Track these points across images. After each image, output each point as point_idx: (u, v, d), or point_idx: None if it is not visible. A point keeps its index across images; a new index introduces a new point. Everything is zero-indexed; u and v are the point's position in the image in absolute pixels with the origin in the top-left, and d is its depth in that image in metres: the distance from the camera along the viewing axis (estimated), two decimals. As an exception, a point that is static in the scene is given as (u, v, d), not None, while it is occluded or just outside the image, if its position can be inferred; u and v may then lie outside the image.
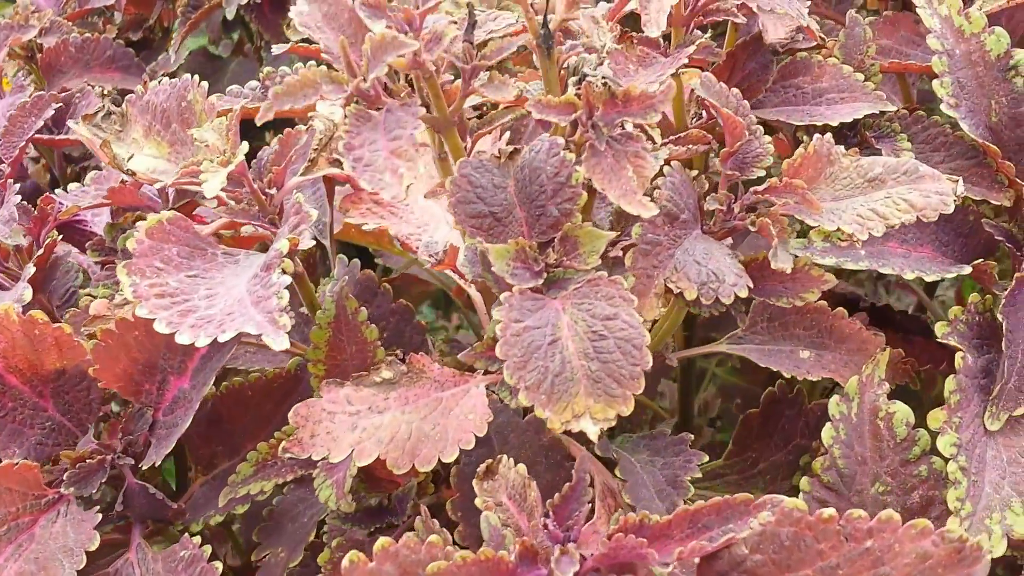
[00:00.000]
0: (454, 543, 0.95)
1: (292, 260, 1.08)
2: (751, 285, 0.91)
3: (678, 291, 0.89)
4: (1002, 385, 0.98)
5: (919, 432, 0.96)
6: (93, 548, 0.99)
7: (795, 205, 0.93)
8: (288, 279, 0.90)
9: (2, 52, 1.69)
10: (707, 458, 1.02)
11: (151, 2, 2.00)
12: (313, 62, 0.98)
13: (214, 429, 1.14)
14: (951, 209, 0.94)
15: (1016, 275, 1.03)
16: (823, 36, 1.13)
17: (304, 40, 1.25)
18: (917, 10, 1.08)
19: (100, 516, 1.03)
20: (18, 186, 1.27)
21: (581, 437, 0.87)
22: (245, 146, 1.01)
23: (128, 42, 1.94)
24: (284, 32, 1.78)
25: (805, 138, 1.07)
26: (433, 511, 1.10)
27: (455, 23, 0.89)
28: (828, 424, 0.97)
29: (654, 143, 0.92)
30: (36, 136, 1.45)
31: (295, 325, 1.15)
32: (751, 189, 0.95)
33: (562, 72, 0.94)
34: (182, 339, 0.89)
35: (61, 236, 1.32)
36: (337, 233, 1.29)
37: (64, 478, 1.06)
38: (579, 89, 0.85)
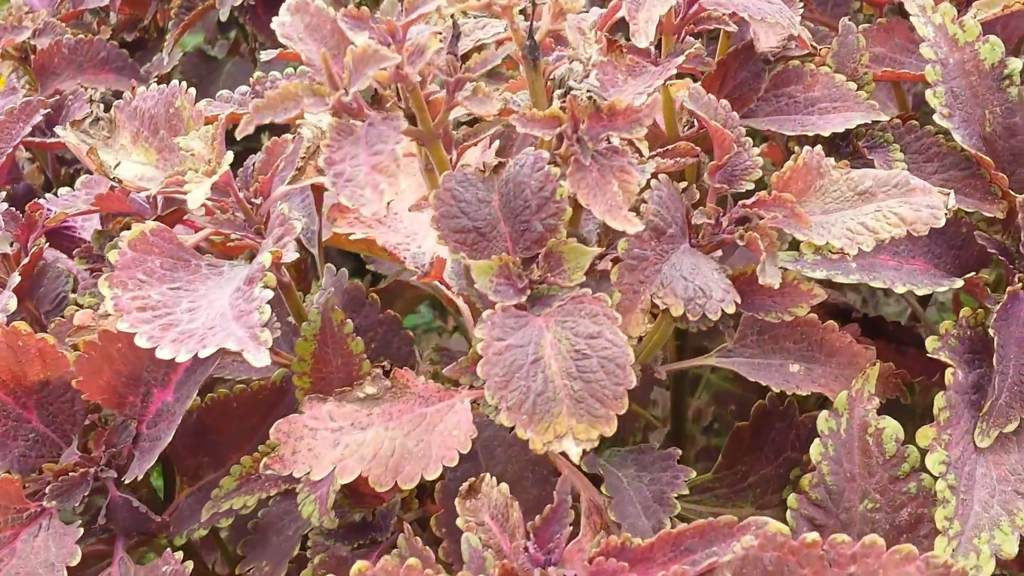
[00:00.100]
0: (438, 560, 0.95)
1: (279, 271, 1.07)
2: (738, 300, 0.90)
3: (664, 307, 0.88)
4: (993, 401, 0.97)
5: (908, 449, 0.95)
6: (74, 563, 0.99)
7: (784, 219, 0.91)
8: (270, 294, 0.89)
9: (-4, 53, 1.68)
10: (694, 474, 1.01)
11: (146, 2, 1.99)
12: (305, 68, 0.97)
13: (200, 440, 1.13)
14: (942, 223, 0.92)
15: (1008, 289, 1.01)
16: (814, 44, 1.12)
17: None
18: (911, 19, 1.07)
19: (82, 531, 1.02)
20: (3, 193, 1.25)
21: (568, 451, 0.86)
22: (230, 156, 1.00)
23: (123, 43, 1.93)
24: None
25: (796, 148, 1.06)
26: (420, 525, 1.09)
27: (440, 34, 0.88)
28: (816, 440, 0.96)
29: (641, 155, 0.91)
30: (27, 139, 1.44)
31: (283, 334, 1.15)
32: (740, 203, 0.93)
33: (548, 83, 0.93)
34: (163, 354, 0.88)
35: (48, 243, 1.31)
36: (327, 240, 1.28)
37: (46, 491, 1.05)
38: (564, 102, 0.84)
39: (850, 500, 0.95)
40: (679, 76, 1.09)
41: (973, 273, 1.05)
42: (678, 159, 0.94)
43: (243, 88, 1.31)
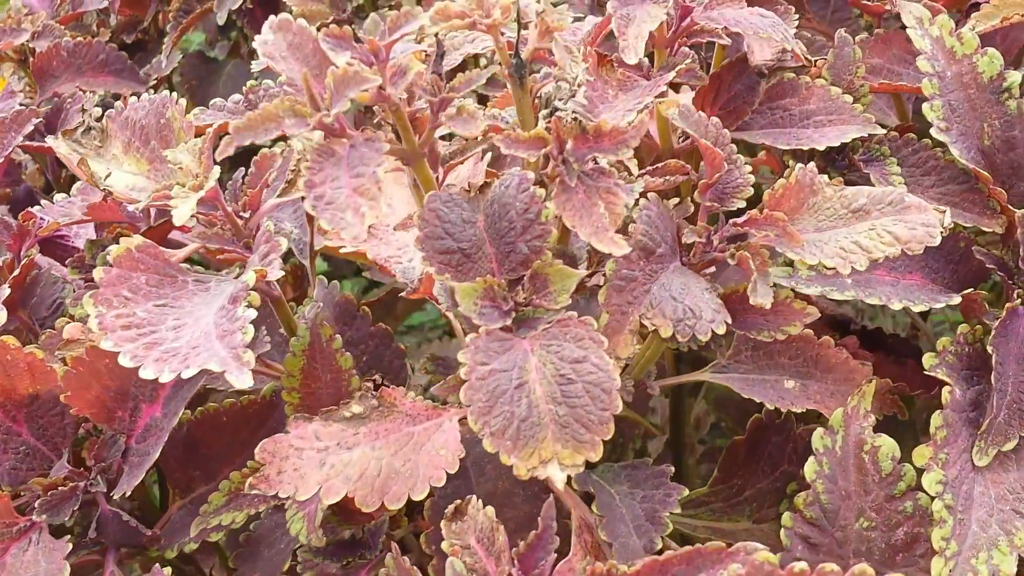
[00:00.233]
0: (426, 578, 0.94)
1: (269, 285, 1.06)
2: (729, 321, 0.89)
3: (653, 328, 0.87)
4: (991, 419, 0.96)
5: (905, 467, 0.94)
6: (64, 577, 0.98)
7: (775, 237, 0.90)
8: (253, 313, 0.88)
9: (-5, 56, 1.68)
10: (688, 491, 1.00)
11: (145, 4, 1.98)
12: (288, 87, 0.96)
13: (191, 454, 1.13)
14: (937, 242, 0.91)
15: (1007, 305, 1.00)
16: (808, 58, 1.10)
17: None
18: (907, 31, 1.05)
19: (71, 545, 1.01)
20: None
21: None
22: (217, 170, 1.00)
23: (122, 45, 1.93)
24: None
25: (791, 162, 1.04)
26: (410, 541, 1.08)
27: (424, 51, 0.87)
28: (811, 458, 0.95)
29: (630, 174, 0.89)
30: (25, 143, 1.44)
31: (275, 346, 1.14)
32: (731, 221, 0.92)
33: (536, 101, 0.91)
34: (146, 374, 0.87)
35: (42, 251, 1.31)
36: (320, 248, 1.27)
37: (36, 505, 1.04)
38: (549, 123, 0.83)
39: (845, 519, 0.94)
40: (674, 87, 1.08)
41: (971, 288, 1.03)
42: (668, 177, 0.92)
43: (236, 96, 1.30)
